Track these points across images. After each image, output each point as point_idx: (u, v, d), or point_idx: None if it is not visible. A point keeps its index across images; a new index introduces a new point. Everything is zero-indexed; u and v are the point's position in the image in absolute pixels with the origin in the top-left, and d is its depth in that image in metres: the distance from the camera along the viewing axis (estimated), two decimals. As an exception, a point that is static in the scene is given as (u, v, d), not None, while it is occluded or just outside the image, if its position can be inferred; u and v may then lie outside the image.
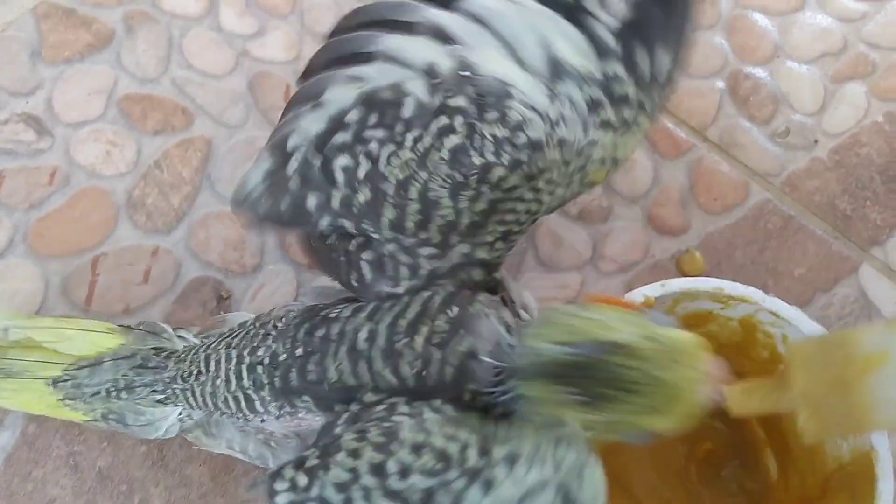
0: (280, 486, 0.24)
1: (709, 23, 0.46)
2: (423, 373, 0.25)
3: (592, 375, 0.23)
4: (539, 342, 0.24)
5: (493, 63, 0.26)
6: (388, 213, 0.25)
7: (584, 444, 0.24)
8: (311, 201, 0.26)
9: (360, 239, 0.26)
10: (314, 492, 0.24)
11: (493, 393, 0.24)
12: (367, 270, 0.27)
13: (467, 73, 0.25)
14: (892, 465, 0.28)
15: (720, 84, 0.45)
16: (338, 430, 0.25)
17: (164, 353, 0.30)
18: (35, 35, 0.41)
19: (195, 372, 0.29)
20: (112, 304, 0.37)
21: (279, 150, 0.27)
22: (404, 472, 0.23)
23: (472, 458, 0.23)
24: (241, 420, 0.29)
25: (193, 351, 0.30)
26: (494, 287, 0.27)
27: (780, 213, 0.42)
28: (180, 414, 0.31)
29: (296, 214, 0.27)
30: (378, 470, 0.23)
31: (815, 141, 0.44)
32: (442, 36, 0.26)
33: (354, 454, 0.23)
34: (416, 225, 0.25)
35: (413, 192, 0.25)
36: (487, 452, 0.23)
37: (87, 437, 0.35)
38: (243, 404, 0.28)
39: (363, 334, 0.26)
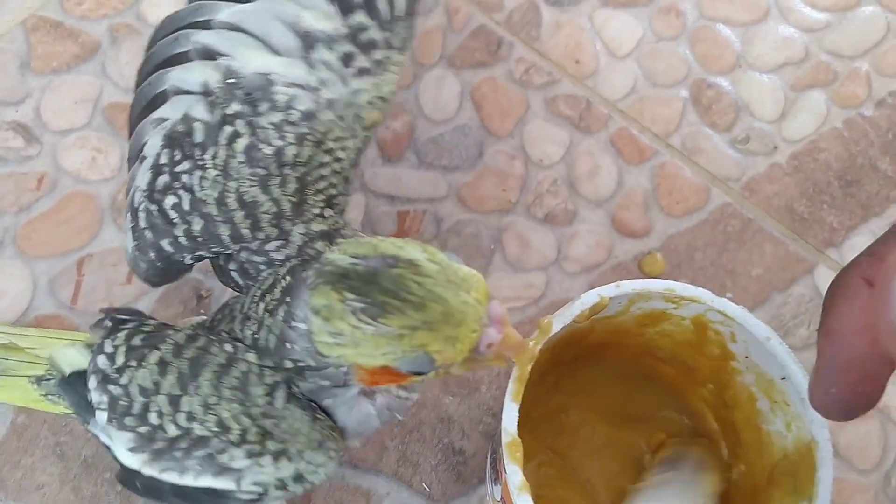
0: (107, 347, 0.28)
1: (674, 34, 0.48)
2: (258, 337, 0.27)
3: (376, 283, 0.23)
4: (334, 255, 0.24)
5: (252, 61, 0.28)
6: (224, 231, 0.28)
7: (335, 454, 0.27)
8: (166, 246, 0.29)
9: (222, 256, 0.29)
10: (123, 379, 0.27)
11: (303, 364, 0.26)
12: (238, 278, 0.29)
13: (232, 80, 0.28)
14: (831, 454, 0.29)
15: (684, 93, 0.47)
16: (172, 333, 0.28)
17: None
18: (24, 47, 0.43)
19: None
20: (97, 303, 0.39)
21: (131, 209, 0.30)
22: (190, 417, 0.26)
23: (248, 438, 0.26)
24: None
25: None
26: None
27: (739, 217, 0.44)
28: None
29: (165, 262, 0.29)
30: (173, 401, 0.26)
31: (775, 147, 0.46)
32: (210, 54, 0.29)
33: (163, 370, 0.27)
34: (249, 229, 0.28)
35: (232, 202, 0.28)
36: (263, 441, 0.26)
37: (73, 428, 0.37)
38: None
39: (238, 306, 0.28)
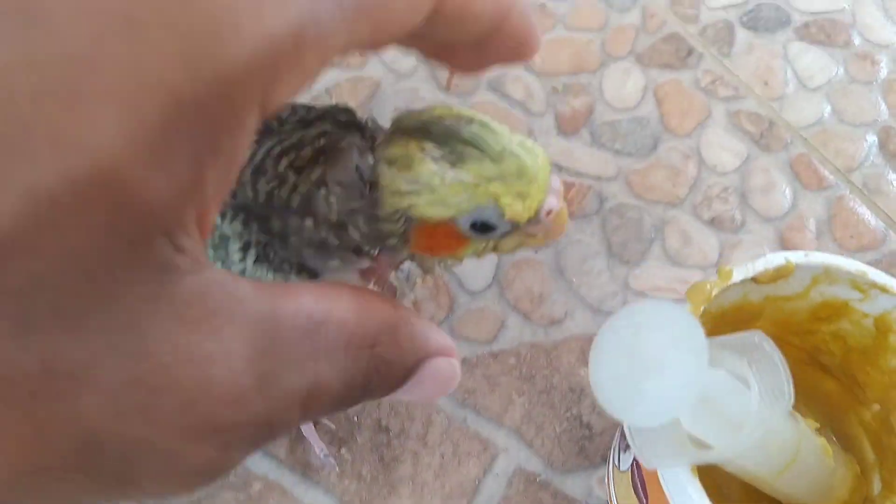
0: None
1: (867, 79, 0.47)
2: (275, 192, 0.25)
3: (456, 136, 0.23)
4: (408, 113, 0.24)
5: None
6: None
7: None
8: None
9: None
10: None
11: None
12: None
13: None
14: None
15: (871, 136, 0.45)
16: None
17: None
18: None
19: None
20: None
21: None
22: None
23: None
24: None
25: None
26: None
27: (916, 263, 0.41)
28: None
29: None
30: None
31: (962, 206, 0.44)
32: None
33: None
34: None
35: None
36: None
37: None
38: None
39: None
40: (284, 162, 0.25)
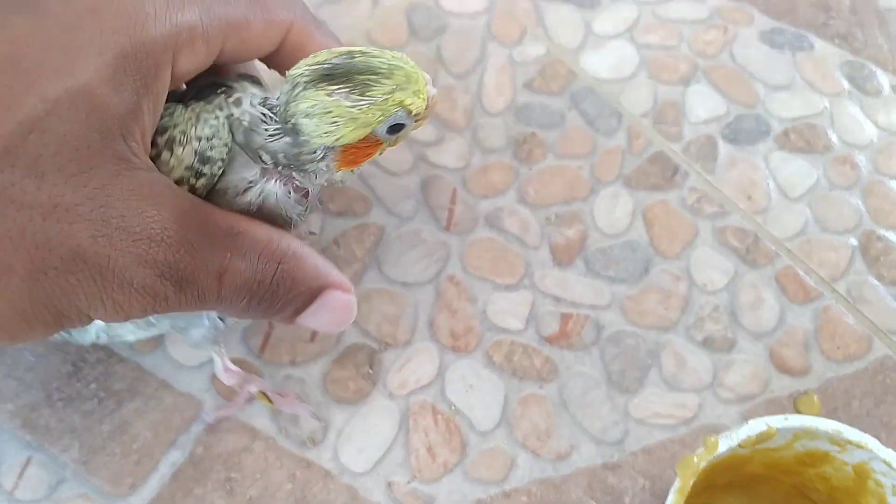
0: None
1: (847, 183, 0.49)
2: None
3: (351, 71, 0.30)
4: (299, 67, 0.31)
5: None
6: None
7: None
8: None
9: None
10: None
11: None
12: None
13: None
14: None
15: (853, 241, 0.48)
16: None
17: None
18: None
19: None
20: (281, 355, 0.43)
21: None
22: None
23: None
24: None
25: None
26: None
27: (901, 371, 0.44)
28: None
29: None
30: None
31: (944, 307, 0.46)
32: None
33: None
34: None
35: None
36: None
37: (244, 466, 0.40)
38: None
39: None
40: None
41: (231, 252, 0.28)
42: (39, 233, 0.25)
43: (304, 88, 0.30)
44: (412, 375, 0.43)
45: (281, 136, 0.31)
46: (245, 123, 0.31)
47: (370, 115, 0.30)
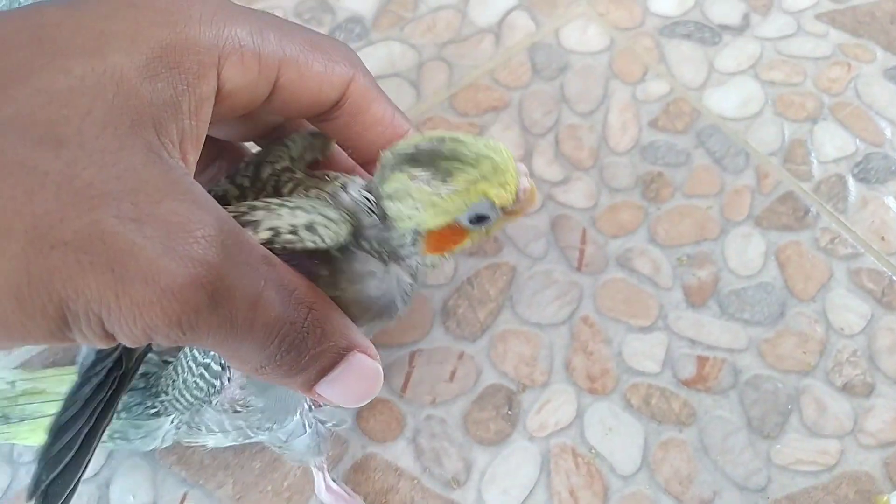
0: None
1: (984, 223, 0.48)
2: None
3: (437, 156, 0.29)
4: (389, 152, 0.30)
5: None
6: None
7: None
8: None
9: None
10: None
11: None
12: None
13: None
14: None
15: None
16: None
17: (147, 376, 0.36)
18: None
19: (171, 381, 0.35)
20: (422, 395, 0.43)
21: None
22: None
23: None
24: (213, 394, 0.34)
25: (165, 367, 0.36)
26: None
27: None
28: (173, 421, 0.37)
29: None
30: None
31: None
32: None
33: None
34: None
35: None
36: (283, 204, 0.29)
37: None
38: (207, 375, 0.33)
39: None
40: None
41: (266, 279, 0.24)
42: (52, 200, 0.21)
43: (391, 170, 0.30)
44: (551, 417, 0.43)
45: (376, 220, 0.31)
46: (352, 209, 0.31)
47: (451, 202, 0.29)
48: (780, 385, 0.44)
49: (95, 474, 0.41)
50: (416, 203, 0.29)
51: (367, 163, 0.34)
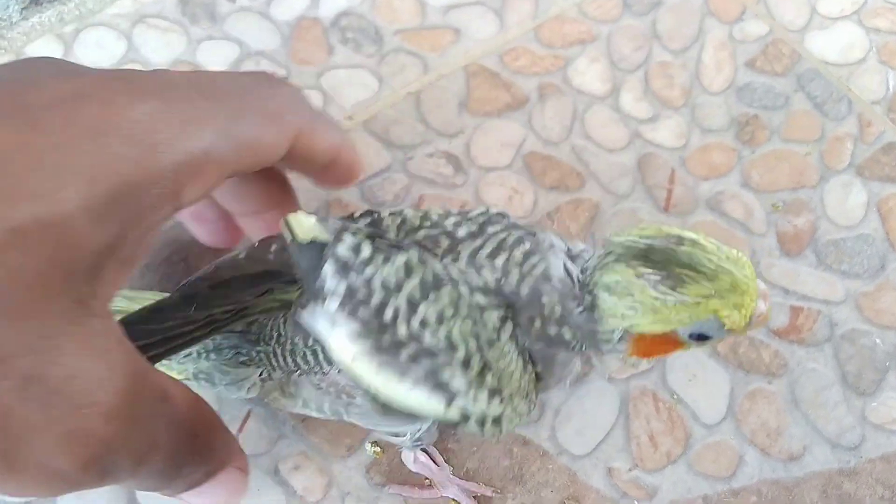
0: (348, 239, 0.27)
1: None
2: (502, 281, 0.28)
3: (673, 259, 0.26)
4: (621, 237, 0.27)
5: None
6: None
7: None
8: None
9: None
10: (368, 271, 0.27)
11: (556, 324, 0.28)
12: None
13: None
14: None
15: None
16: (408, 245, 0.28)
17: (248, 321, 0.33)
18: (464, 88, 0.48)
19: (276, 335, 0.31)
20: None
21: None
22: (423, 324, 0.27)
23: (472, 364, 0.27)
24: (318, 374, 0.31)
25: (273, 316, 0.32)
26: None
27: None
28: (261, 374, 0.33)
29: None
30: (412, 305, 0.27)
31: None
32: None
33: (408, 272, 0.27)
34: None
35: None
36: (483, 372, 0.27)
37: (460, 438, 0.39)
38: (321, 355, 0.30)
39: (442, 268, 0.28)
40: (500, 260, 0.28)
41: (159, 421, 0.24)
42: None
43: (616, 260, 0.27)
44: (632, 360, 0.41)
45: (582, 308, 0.28)
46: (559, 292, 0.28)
47: (675, 313, 0.26)
48: (878, 341, 0.41)
49: (159, 386, 0.40)
50: (635, 303, 0.26)
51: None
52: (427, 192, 0.45)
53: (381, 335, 0.27)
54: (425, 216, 0.30)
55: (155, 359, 0.29)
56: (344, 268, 0.27)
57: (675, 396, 0.40)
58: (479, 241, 0.29)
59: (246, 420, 0.39)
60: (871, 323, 0.42)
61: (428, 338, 0.27)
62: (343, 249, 0.27)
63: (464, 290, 0.28)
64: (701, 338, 0.27)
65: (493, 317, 0.28)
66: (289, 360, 0.31)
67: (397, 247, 0.28)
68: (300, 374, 0.32)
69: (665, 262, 0.26)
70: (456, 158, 0.46)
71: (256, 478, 0.38)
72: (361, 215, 0.31)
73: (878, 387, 0.40)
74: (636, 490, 0.38)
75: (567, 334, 0.28)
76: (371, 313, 0.27)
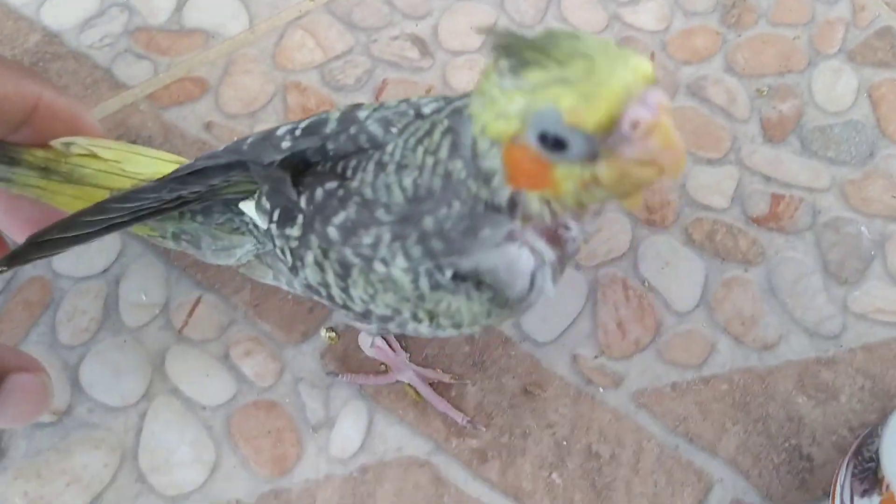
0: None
1: None
2: (420, 183, 0.25)
3: (527, 44, 0.21)
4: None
5: None
6: None
7: None
8: None
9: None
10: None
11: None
12: (378, 129, 0.28)
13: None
14: None
15: None
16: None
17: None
18: (434, -30, 0.45)
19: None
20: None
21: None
22: (365, 301, 0.27)
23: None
24: (289, 268, 0.30)
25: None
26: None
27: None
28: (255, 244, 0.31)
29: None
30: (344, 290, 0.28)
31: None
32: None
33: (321, 267, 0.28)
34: None
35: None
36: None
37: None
38: (288, 251, 0.29)
39: (373, 163, 0.27)
40: (420, 150, 0.25)
41: None
42: None
43: (491, 56, 0.22)
44: (602, 246, 0.39)
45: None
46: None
47: (509, 102, 0.21)
48: (863, 229, 0.39)
49: (105, 270, 0.38)
50: (484, 98, 0.22)
51: None
52: (391, 76, 0.43)
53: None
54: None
55: (123, 225, 0.28)
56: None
57: (647, 284, 0.38)
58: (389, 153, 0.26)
59: (196, 305, 0.38)
60: (856, 211, 0.39)
61: (378, 309, 0.28)
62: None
63: (378, 266, 0.26)
64: (556, 144, 0.21)
65: (405, 280, 0.26)
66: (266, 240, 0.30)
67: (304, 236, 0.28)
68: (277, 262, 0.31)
69: (522, 49, 0.21)
70: (422, 41, 0.44)
71: (205, 363, 0.36)
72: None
73: (861, 276, 0.38)
74: (601, 377, 0.36)
75: (457, 166, 0.24)
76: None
